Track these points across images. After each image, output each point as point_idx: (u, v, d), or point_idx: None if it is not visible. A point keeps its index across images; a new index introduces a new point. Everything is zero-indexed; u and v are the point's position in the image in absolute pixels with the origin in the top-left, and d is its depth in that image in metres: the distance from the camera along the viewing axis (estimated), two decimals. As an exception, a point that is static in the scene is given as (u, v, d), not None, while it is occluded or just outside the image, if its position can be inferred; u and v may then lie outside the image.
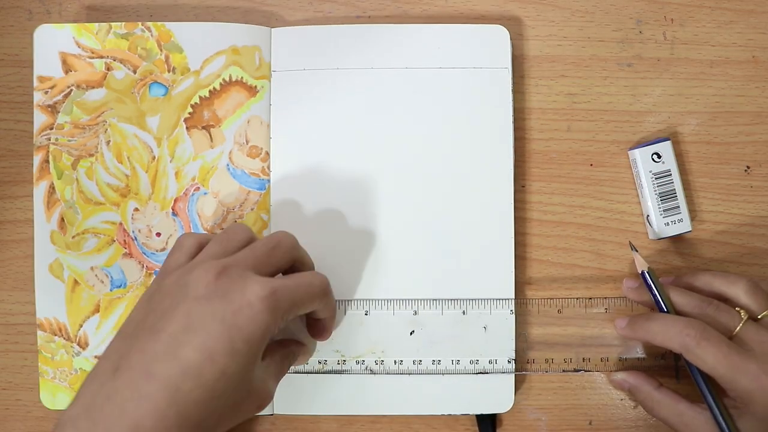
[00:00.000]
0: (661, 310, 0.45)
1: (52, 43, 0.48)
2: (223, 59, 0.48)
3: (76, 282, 0.47)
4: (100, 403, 0.34)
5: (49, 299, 0.47)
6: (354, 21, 0.50)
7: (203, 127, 0.48)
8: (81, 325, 0.47)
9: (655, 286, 0.45)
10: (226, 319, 0.36)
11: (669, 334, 0.43)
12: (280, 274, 0.42)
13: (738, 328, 0.43)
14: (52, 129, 0.48)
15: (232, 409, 0.37)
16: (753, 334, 0.42)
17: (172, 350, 0.35)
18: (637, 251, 0.46)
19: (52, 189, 0.48)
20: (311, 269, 0.44)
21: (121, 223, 0.48)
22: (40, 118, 0.48)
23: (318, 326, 0.45)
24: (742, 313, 0.43)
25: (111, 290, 0.47)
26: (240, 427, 0.48)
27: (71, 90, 0.48)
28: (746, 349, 0.42)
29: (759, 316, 0.43)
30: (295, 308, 0.39)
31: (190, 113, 0.48)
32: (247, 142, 0.48)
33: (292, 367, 0.46)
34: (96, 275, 0.47)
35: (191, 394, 0.34)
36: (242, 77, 0.48)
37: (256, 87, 0.48)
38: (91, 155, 0.48)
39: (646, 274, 0.45)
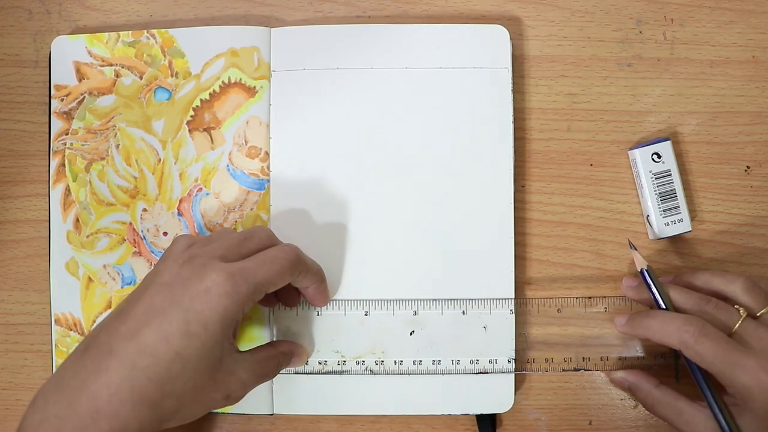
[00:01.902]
0: (660, 308, 0.46)
1: (67, 53, 0.51)
2: (222, 62, 0.51)
3: (90, 279, 0.51)
4: (67, 377, 0.39)
5: (65, 296, 0.51)
6: (354, 21, 0.52)
7: (204, 129, 0.51)
8: (94, 321, 0.51)
9: (654, 284, 0.47)
10: (183, 303, 0.40)
11: (668, 330, 0.44)
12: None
13: (737, 325, 0.44)
14: (67, 134, 0.51)
15: (193, 394, 0.40)
16: (752, 331, 0.44)
17: (133, 331, 0.39)
18: (636, 249, 0.48)
19: (67, 191, 0.51)
20: (314, 269, 0.47)
21: (130, 223, 0.51)
22: (56, 125, 0.51)
23: (308, 295, 0.48)
24: (741, 310, 0.45)
25: (122, 287, 0.51)
26: (240, 427, 0.51)
27: (84, 97, 0.51)
28: (745, 346, 0.43)
29: (758, 314, 0.45)
30: (262, 287, 0.42)
31: (192, 116, 0.51)
32: (246, 142, 0.51)
33: (292, 368, 0.49)
34: (108, 273, 0.51)
35: (146, 372, 0.38)
36: (241, 78, 0.51)
37: (254, 88, 0.51)
38: (103, 158, 0.51)
39: (645, 272, 0.47)
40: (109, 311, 0.50)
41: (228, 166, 0.51)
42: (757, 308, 0.46)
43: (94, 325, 0.50)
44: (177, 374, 0.39)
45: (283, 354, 0.47)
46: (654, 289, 0.47)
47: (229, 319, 0.40)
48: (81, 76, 0.52)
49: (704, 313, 0.45)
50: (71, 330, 0.51)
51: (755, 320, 0.45)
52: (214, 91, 0.51)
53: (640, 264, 0.48)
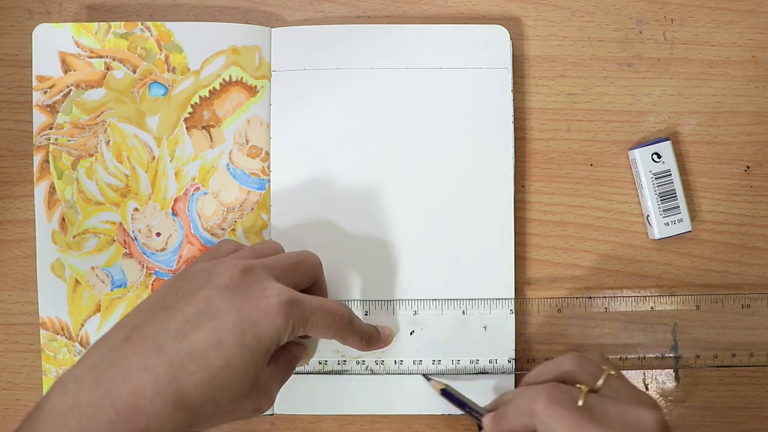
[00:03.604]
0: (477, 417, 0.43)
1: (51, 43, 0.48)
2: (223, 59, 0.47)
3: (77, 282, 0.47)
4: (106, 365, 0.35)
5: (51, 298, 0.47)
6: (354, 21, 0.50)
7: (203, 127, 0.48)
8: (82, 325, 0.47)
9: (459, 398, 0.43)
10: (242, 311, 0.36)
11: (521, 407, 0.39)
12: None
13: (580, 402, 0.39)
14: (51, 129, 0.47)
15: (230, 403, 0.37)
16: (596, 405, 0.39)
17: (184, 330, 0.36)
18: (430, 380, 0.45)
19: (52, 189, 0.47)
20: (326, 296, 0.45)
21: (121, 223, 0.47)
22: (39, 118, 0.48)
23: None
24: (583, 387, 0.40)
25: (112, 290, 0.47)
26: (240, 427, 0.49)
27: (70, 90, 0.47)
28: (596, 418, 0.38)
29: (596, 387, 0.40)
30: (310, 325, 0.39)
31: (189, 113, 0.47)
32: (247, 142, 0.48)
33: (293, 368, 0.46)
34: (97, 275, 0.47)
35: (193, 376, 0.35)
36: (242, 77, 0.48)
37: (255, 87, 0.48)
38: (91, 155, 0.47)
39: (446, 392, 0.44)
40: (98, 314, 0.47)
41: (228, 165, 0.47)
42: (592, 381, 0.40)
43: (97, 331, 0.47)
44: (222, 383, 0.36)
45: (295, 357, 0.44)
46: (462, 403, 0.43)
47: (278, 338, 0.37)
48: (66, 68, 0.47)
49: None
50: (58, 334, 0.47)
51: (596, 393, 0.40)
52: (214, 88, 0.47)
53: (438, 386, 0.44)
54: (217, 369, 0.35)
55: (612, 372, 0.41)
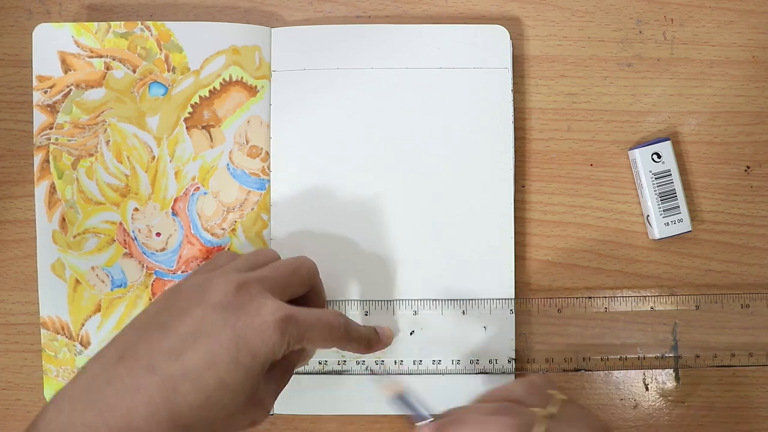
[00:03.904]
0: (425, 418, 0.39)
1: (51, 43, 0.47)
2: (223, 59, 0.47)
3: (77, 281, 0.47)
4: (99, 385, 0.35)
5: (51, 298, 0.47)
6: (354, 21, 0.50)
7: (203, 127, 0.47)
8: (83, 325, 0.47)
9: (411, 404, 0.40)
10: (236, 328, 0.36)
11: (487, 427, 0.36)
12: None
13: (537, 427, 0.36)
14: (51, 129, 0.47)
15: (225, 420, 0.36)
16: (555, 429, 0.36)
17: (177, 350, 0.35)
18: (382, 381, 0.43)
19: (53, 189, 0.47)
20: (324, 301, 0.44)
21: (121, 223, 0.47)
22: (39, 118, 0.47)
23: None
24: (539, 410, 0.37)
25: (112, 290, 0.47)
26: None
27: (70, 89, 0.47)
28: None
29: (548, 412, 0.38)
30: (306, 341, 0.38)
31: (189, 113, 0.47)
32: (247, 142, 0.47)
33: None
34: (97, 275, 0.47)
35: (187, 396, 0.34)
36: (242, 77, 0.47)
37: (256, 87, 0.48)
38: (91, 155, 0.47)
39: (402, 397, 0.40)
40: (99, 314, 0.47)
41: (228, 165, 0.47)
42: (544, 405, 0.38)
43: (97, 330, 0.47)
44: (217, 401, 0.35)
45: (292, 364, 0.44)
46: (415, 407, 0.40)
47: (273, 356, 0.37)
48: (66, 68, 0.47)
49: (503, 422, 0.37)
50: (58, 333, 0.47)
51: (554, 419, 0.37)
52: (214, 88, 0.47)
53: (395, 389, 0.41)
54: (212, 389, 0.35)
55: (563, 397, 0.39)
